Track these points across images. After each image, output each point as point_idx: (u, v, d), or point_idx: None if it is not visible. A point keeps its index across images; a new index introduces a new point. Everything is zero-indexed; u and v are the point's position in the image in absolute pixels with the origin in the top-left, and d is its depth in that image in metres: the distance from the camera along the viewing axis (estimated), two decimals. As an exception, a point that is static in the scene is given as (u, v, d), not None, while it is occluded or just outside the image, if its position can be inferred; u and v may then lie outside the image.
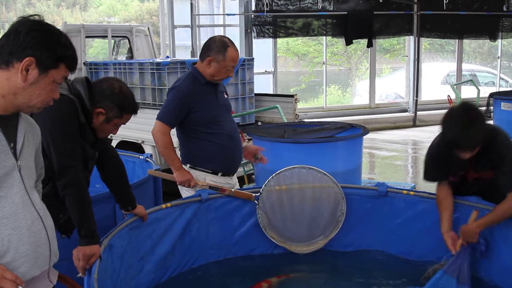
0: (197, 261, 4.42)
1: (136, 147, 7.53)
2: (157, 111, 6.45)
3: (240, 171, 6.86)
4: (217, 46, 4.31)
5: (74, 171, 3.04)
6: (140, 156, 5.61)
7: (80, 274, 3.04)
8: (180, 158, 4.52)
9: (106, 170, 3.55)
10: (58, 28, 2.23)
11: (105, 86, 3.24)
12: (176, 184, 4.48)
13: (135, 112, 3.33)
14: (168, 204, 4.18)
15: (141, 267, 3.96)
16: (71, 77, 2.79)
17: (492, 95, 11.22)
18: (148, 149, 7.40)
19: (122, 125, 3.37)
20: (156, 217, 4.05)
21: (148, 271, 4.02)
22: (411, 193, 4.49)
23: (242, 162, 6.65)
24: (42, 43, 2.13)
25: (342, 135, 6.55)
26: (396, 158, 11.16)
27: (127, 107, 3.25)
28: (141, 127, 6.88)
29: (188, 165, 4.47)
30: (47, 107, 3.04)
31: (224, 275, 4.40)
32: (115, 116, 3.23)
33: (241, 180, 6.75)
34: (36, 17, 2.18)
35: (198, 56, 4.51)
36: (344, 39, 13.89)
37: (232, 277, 4.38)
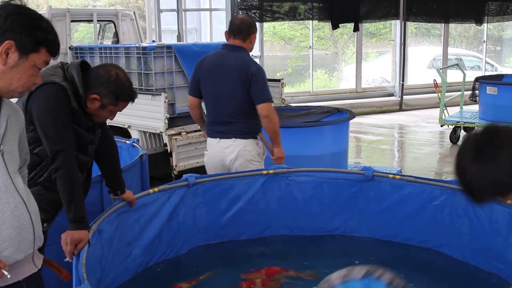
0: (184, 246, 4.44)
1: (123, 132, 7.51)
2: (144, 96, 6.49)
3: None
4: (253, 22, 4.86)
5: (64, 156, 3.06)
6: (127, 141, 5.60)
7: (67, 259, 3.05)
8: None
9: (100, 151, 3.55)
10: (41, 12, 2.22)
11: (102, 73, 3.23)
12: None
13: (132, 100, 3.33)
14: (156, 189, 4.18)
15: (129, 251, 3.97)
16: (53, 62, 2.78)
17: (477, 79, 11.26)
18: (134, 134, 7.40)
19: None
20: (144, 202, 4.05)
21: (136, 256, 4.04)
22: (397, 177, 4.52)
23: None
24: (22, 26, 2.12)
25: (328, 120, 6.59)
26: (382, 142, 11.21)
27: (122, 95, 3.24)
28: (128, 112, 6.80)
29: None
30: (38, 96, 3.07)
31: (211, 259, 4.42)
32: (110, 103, 3.22)
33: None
34: (18, 2, 2.17)
35: (233, 37, 4.78)
36: (330, 23, 13.87)
37: (219, 261, 4.41)
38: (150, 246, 4.15)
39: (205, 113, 4.99)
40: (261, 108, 4.58)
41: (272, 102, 4.68)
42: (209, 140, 4.88)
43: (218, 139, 4.76)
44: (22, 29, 2.12)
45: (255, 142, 4.77)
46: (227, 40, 4.87)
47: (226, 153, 4.72)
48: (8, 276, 2.12)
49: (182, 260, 4.35)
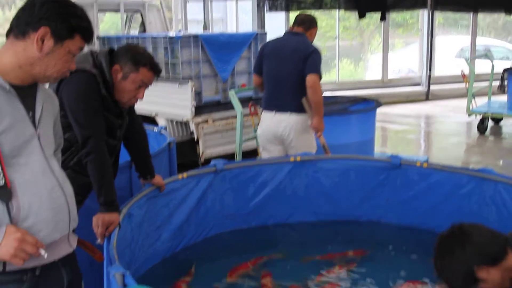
0: (211, 231, 4.50)
1: (150, 121, 7.58)
2: (171, 85, 6.56)
3: (253, 143, 6.92)
4: (315, 19, 5.54)
5: (95, 141, 3.13)
6: (155, 129, 5.65)
7: (99, 241, 3.11)
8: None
9: (130, 137, 3.61)
10: (73, 1, 2.27)
11: (122, 47, 3.32)
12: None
13: (153, 66, 3.29)
14: (185, 175, 4.23)
15: (158, 235, 4.03)
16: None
17: (506, 70, 11.15)
18: (162, 122, 7.46)
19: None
20: (173, 187, 4.10)
21: (164, 240, 4.10)
22: (425, 164, 4.50)
23: (255, 135, 6.71)
24: (57, 13, 2.16)
25: (355, 108, 6.58)
26: (409, 132, 11.16)
27: (141, 59, 3.25)
28: (154, 100, 6.94)
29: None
30: (69, 83, 3.13)
31: (238, 244, 4.48)
32: (131, 71, 3.24)
33: (254, 153, 6.81)
34: None
35: (296, 26, 5.39)
36: (357, 12, 13.80)
37: (245, 246, 4.46)
38: (179, 230, 4.21)
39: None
40: (309, 78, 5.01)
41: (320, 76, 5.10)
42: (265, 113, 5.33)
43: (274, 112, 5.20)
44: (57, 16, 2.16)
45: (307, 116, 5.14)
46: (291, 31, 5.41)
47: (281, 126, 5.15)
48: (45, 256, 2.18)
49: (209, 245, 4.40)
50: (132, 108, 3.59)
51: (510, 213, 4.01)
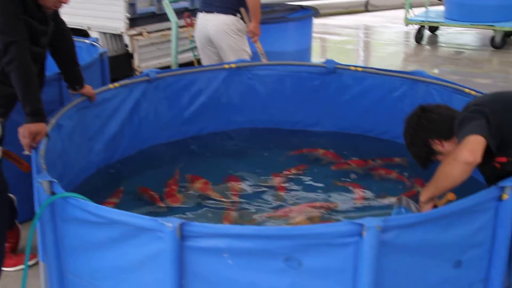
0: (146, 142, 4.45)
1: (83, 35, 7.32)
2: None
3: (189, 55, 6.82)
4: None
5: (17, 47, 2.97)
6: (86, 40, 5.46)
7: (26, 152, 3.02)
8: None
9: (56, 45, 3.46)
10: None
11: None
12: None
13: None
14: (116, 84, 4.12)
15: (91, 147, 3.97)
16: None
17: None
18: (95, 35, 7.21)
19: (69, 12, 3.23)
20: (104, 97, 4.00)
21: (98, 151, 4.04)
22: (359, 69, 4.52)
23: (191, 46, 6.59)
24: None
25: (292, 16, 6.51)
26: (348, 43, 11.17)
27: None
28: (87, 13, 6.73)
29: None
30: None
31: (174, 155, 4.44)
32: None
33: (190, 65, 6.70)
34: None
35: None
36: None
37: (182, 157, 4.43)
38: (112, 141, 4.14)
39: None
40: None
41: None
42: (198, 14, 5.27)
43: (204, 12, 5.14)
44: None
45: (236, 18, 5.02)
46: None
47: (209, 26, 5.07)
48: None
49: (144, 157, 4.36)
50: (57, 13, 3.43)
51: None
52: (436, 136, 2.76)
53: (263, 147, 4.57)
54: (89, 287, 2.42)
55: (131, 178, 4.08)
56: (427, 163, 2.89)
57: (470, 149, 2.40)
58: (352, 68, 4.53)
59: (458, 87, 3.94)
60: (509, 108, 2.59)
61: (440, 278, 2.34)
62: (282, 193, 3.80)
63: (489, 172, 2.72)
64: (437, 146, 2.78)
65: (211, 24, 5.05)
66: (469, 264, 2.40)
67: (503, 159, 2.52)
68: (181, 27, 6.58)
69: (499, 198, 2.36)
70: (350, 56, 10.23)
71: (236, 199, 3.75)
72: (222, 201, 3.70)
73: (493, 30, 9.83)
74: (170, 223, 2.04)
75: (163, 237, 2.07)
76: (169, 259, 2.08)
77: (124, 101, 4.18)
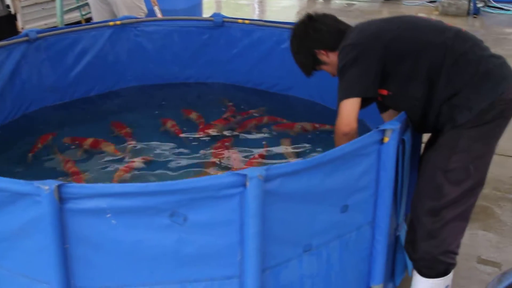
0: (31, 106, 4.26)
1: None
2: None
3: (77, 15, 6.58)
4: None
5: None
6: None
7: None
8: None
9: None
10: None
11: None
12: None
13: None
14: (-8, 46, 3.90)
15: (-30, 112, 3.76)
16: None
17: None
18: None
19: None
20: (-20, 60, 3.78)
21: (-23, 116, 3.83)
22: (247, 21, 4.48)
23: (78, 5, 6.34)
24: None
25: (180, -29, 6.36)
26: (242, -3, 11.14)
27: None
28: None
29: None
30: None
31: (61, 119, 4.27)
32: None
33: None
34: None
35: None
36: None
37: (69, 120, 4.27)
38: (-7, 106, 3.94)
39: None
40: None
41: None
42: None
43: None
44: None
45: None
46: None
47: None
48: None
49: (29, 121, 4.17)
50: None
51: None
52: (322, 46, 2.75)
53: (154, 103, 4.50)
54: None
55: (15, 142, 3.89)
56: (311, 71, 2.89)
57: (344, 122, 2.48)
58: (240, 21, 4.49)
59: (345, 36, 3.96)
60: (391, 40, 2.52)
61: (328, 223, 2.36)
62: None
63: (378, 104, 2.79)
64: (323, 56, 2.77)
65: None
66: (356, 208, 2.43)
67: (384, 92, 2.56)
68: (65, -15, 6.31)
69: (381, 141, 2.40)
70: (246, 11, 10.20)
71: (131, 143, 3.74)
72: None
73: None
74: (47, 186, 1.95)
75: (41, 201, 1.97)
76: (49, 224, 1.98)
77: (3, 63, 3.97)
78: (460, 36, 2.49)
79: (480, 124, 2.40)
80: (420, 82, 2.48)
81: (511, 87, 2.42)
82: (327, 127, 3.94)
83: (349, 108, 2.48)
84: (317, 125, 4.02)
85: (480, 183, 2.53)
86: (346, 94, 2.49)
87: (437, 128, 2.54)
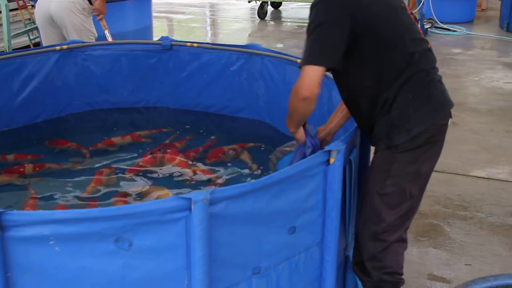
0: (-23, 133, 4.17)
1: None
2: None
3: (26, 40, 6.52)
4: None
5: None
6: None
7: None
8: None
9: None
10: None
11: None
12: None
13: None
14: None
15: None
16: None
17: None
18: None
19: None
20: None
21: None
22: (195, 45, 4.49)
23: (26, 29, 6.29)
24: None
25: (129, -6, 6.36)
26: (194, 21, 11.15)
27: None
28: None
29: None
30: None
31: (7, 146, 4.15)
32: None
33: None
34: None
35: None
36: None
37: (15, 148, 4.17)
38: None
39: None
40: None
41: None
42: None
43: None
44: None
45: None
46: None
47: (52, 4, 4.93)
48: None
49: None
50: None
51: (277, 86, 4.16)
52: None
53: (102, 128, 4.46)
54: None
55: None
56: None
57: (305, 86, 2.32)
58: (188, 44, 4.50)
59: (292, 58, 4.01)
60: (372, 17, 2.36)
61: (276, 245, 2.35)
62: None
63: None
64: None
65: (55, 1, 4.89)
66: (304, 229, 2.43)
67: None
68: (13, 10, 6.25)
69: (327, 162, 2.41)
70: (198, 34, 10.23)
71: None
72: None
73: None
74: (-15, 214, 1.90)
75: (-20, 229, 1.93)
76: (-10, 253, 1.95)
77: None
78: (428, 55, 2.48)
79: (412, 148, 2.43)
80: (376, 73, 2.42)
81: (447, 114, 2.48)
82: (251, 144, 4.03)
83: (313, 74, 2.31)
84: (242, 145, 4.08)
85: (416, 205, 2.58)
86: (313, 60, 2.32)
87: (371, 138, 2.55)
